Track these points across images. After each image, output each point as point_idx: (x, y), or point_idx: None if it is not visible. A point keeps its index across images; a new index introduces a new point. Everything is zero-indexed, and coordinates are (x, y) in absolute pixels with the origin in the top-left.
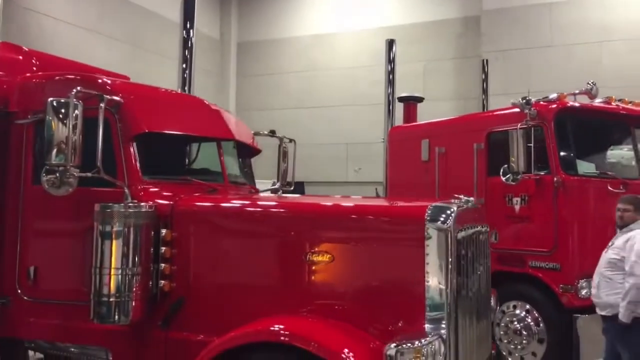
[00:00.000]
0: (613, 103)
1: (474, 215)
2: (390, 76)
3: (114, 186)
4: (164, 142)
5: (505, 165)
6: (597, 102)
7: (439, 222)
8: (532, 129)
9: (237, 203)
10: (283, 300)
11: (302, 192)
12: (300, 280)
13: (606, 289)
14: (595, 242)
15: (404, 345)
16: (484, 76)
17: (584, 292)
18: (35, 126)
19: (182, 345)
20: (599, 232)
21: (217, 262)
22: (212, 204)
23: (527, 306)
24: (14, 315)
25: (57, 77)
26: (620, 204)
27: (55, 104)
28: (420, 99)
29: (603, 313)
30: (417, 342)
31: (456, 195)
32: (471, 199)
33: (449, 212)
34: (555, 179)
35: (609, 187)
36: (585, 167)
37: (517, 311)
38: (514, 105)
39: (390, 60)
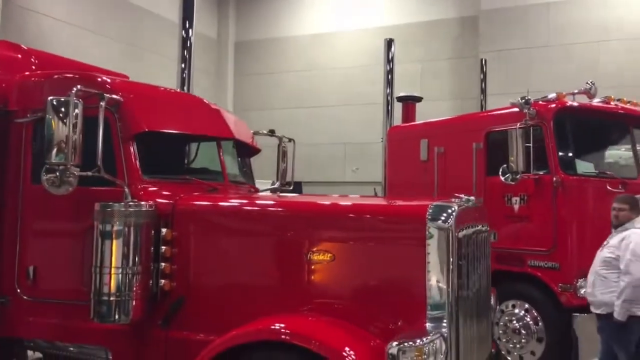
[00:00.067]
0: (612, 103)
1: (475, 215)
2: (389, 76)
3: (114, 185)
4: (164, 141)
5: (505, 165)
6: (596, 101)
7: (440, 221)
8: (531, 128)
9: (237, 202)
10: (284, 299)
11: (299, 192)
12: (301, 280)
13: (601, 287)
14: (594, 241)
15: (406, 344)
16: (482, 76)
17: (582, 291)
18: (35, 125)
19: (182, 344)
20: (598, 231)
21: (217, 262)
22: (213, 203)
23: (526, 305)
24: (13, 315)
25: (56, 76)
26: (615, 203)
27: (55, 102)
28: (419, 99)
29: (598, 311)
30: (418, 341)
31: (457, 195)
32: (472, 198)
33: (450, 211)
34: (554, 178)
35: (608, 187)
36: (584, 166)
37: (516, 310)
38: (513, 105)
39: (389, 60)
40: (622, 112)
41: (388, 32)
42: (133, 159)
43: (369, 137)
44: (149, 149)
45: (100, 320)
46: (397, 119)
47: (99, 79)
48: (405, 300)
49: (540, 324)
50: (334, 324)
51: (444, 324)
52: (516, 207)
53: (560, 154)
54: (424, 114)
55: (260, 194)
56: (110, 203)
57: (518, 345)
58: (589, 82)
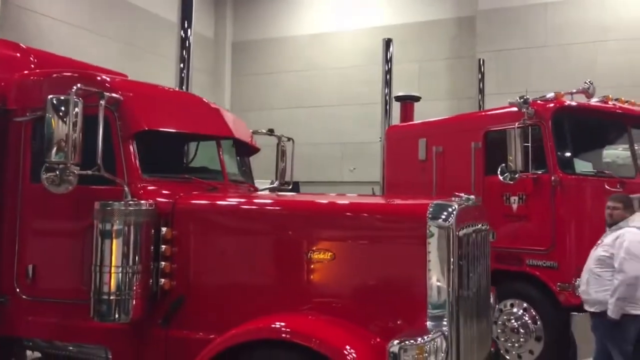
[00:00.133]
0: (610, 102)
1: (475, 213)
2: (387, 76)
3: (113, 184)
4: (164, 140)
5: (503, 164)
6: (594, 101)
7: (441, 220)
8: (530, 128)
9: (238, 201)
10: (284, 298)
11: (297, 192)
12: (301, 278)
13: (595, 285)
14: (592, 240)
15: (407, 342)
16: (480, 76)
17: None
18: (34, 124)
19: (182, 343)
20: (596, 230)
21: (217, 260)
22: (213, 202)
23: (525, 304)
24: (12, 314)
25: (55, 75)
26: (610, 202)
27: (55, 101)
28: (418, 98)
29: (592, 310)
30: (419, 339)
31: (457, 193)
32: (472, 196)
33: (450, 209)
34: (552, 177)
35: (606, 186)
36: (583, 165)
37: (515, 309)
38: (512, 105)
39: (388, 60)
40: (620, 111)
41: (385, 32)
42: (133, 158)
43: (367, 136)
44: (148, 147)
45: (100, 319)
46: (396, 118)
47: (99, 78)
48: (406, 299)
49: (538, 323)
50: (335, 323)
51: (445, 323)
52: (515, 206)
53: (559, 153)
54: (421, 114)
55: (260, 193)
56: (110, 202)
57: (516, 344)
58: (587, 81)
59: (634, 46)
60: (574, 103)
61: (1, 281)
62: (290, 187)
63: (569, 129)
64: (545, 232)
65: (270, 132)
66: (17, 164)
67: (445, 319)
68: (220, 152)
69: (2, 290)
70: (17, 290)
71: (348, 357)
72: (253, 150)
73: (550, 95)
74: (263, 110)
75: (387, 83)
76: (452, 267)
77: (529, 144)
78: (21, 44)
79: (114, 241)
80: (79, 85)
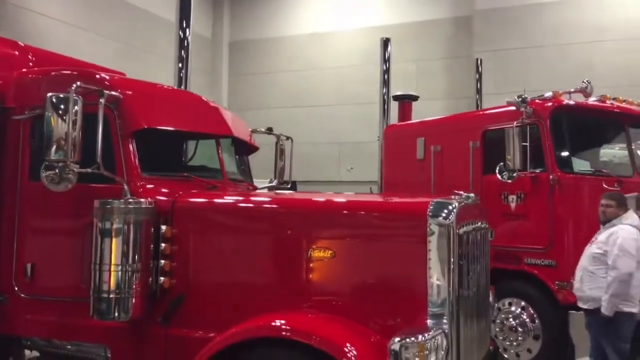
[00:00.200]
0: (607, 101)
1: (474, 211)
2: (385, 75)
3: (113, 182)
4: (163, 138)
5: (501, 163)
6: (592, 100)
7: (441, 218)
8: (528, 127)
9: (237, 200)
10: (284, 296)
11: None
12: (301, 276)
13: (589, 283)
14: (590, 239)
15: (408, 340)
16: (477, 76)
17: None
18: (33, 122)
19: (181, 341)
20: (594, 229)
21: (217, 259)
22: (213, 201)
23: (523, 303)
24: (11, 313)
25: (54, 73)
26: (603, 200)
27: (54, 99)
28: (416, 98)
29: (586, 307)
30: (420, 337)
31: (456, 192)
32: (471, 195)
33: (450, 207)
34: (550, 176)
35: (604, 185)
36: (581, 164)
37: (513, 308)
38: (510, 104)
39: (385, 60)
40: (617, 110)
41: (383, 31)
42: (132, 156)
43: (365, 136)
44: (148, 146)
45: (100, 317)
46: (393, 118)
47: (98, 76)
48: (406, 297)
49: (536, 321)
50: (335, 321)
51: (445, 321)
52: (513, 205)
53: (557, 152)
54: (419, 114)
55: (259, 191)
56: (110, 200)
57: (515, 343)
58: (584, 80)
59: (631, 46)
60: (572, 102)
61: (0, 280)
62: (289, 185)
63: (567, 128)
64: (543, 230)
65: (269, 130)
66: (16, 162)
67: (445, 317)
68: (220, 151)
69: (0, 288)
70: (16, 288)
71: (349, 355)
72: (252, 149)
73: (549, 94)
74: (260, 110)
75: (385, 83)
76: (452, 265)
77: (527, 143)
78: (19, 42)
79: (114, 239)
80: (78, 83)
